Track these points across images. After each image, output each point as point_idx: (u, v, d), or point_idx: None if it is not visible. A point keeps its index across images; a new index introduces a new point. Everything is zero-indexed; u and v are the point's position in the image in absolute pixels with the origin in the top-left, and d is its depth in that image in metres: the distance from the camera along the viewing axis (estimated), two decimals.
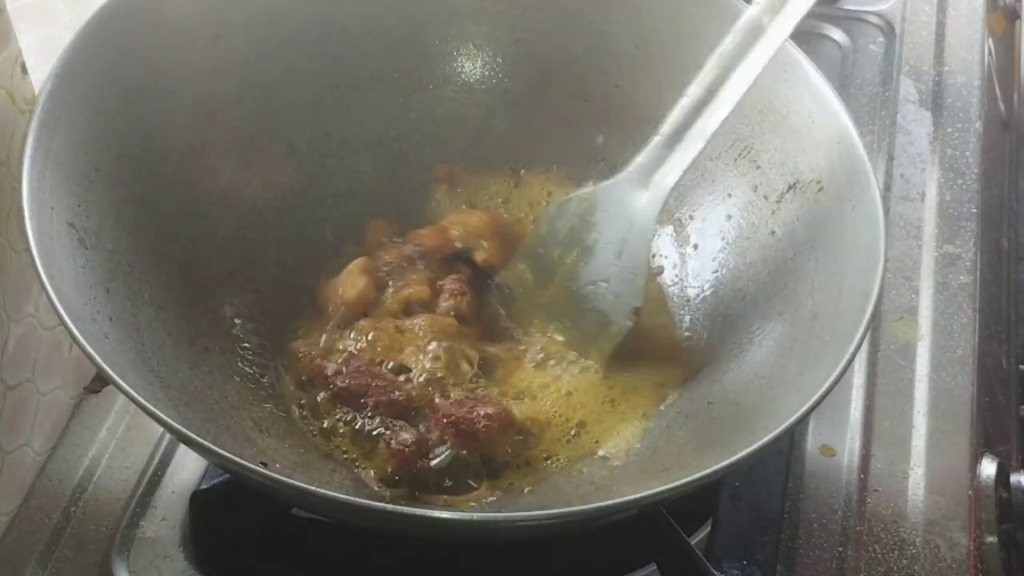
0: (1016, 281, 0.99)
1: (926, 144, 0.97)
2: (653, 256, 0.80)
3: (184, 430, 0.55)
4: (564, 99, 0.83)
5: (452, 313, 0.75)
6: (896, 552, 0.71)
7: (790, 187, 0.74)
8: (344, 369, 0.71)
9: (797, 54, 0.74)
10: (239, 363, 0.72)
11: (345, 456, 0.69)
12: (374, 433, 0.69)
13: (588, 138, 0.81)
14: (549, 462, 0.70)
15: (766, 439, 0.57)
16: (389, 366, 0.72)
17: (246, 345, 0.73)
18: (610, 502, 0.56)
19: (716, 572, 0.68)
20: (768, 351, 0.70)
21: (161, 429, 0.74)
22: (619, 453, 0.70)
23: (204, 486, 0.73)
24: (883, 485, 0.74)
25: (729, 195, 0.78)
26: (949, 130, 0.99)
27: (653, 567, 0.69)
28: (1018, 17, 1.19)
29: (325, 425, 0.70)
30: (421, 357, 0.72)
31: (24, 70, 0.70)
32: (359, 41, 0.81)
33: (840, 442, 0.77)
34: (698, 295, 0.78)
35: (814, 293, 0.69)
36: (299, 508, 0.69)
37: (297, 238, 0.79)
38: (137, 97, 0.70)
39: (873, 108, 1.00)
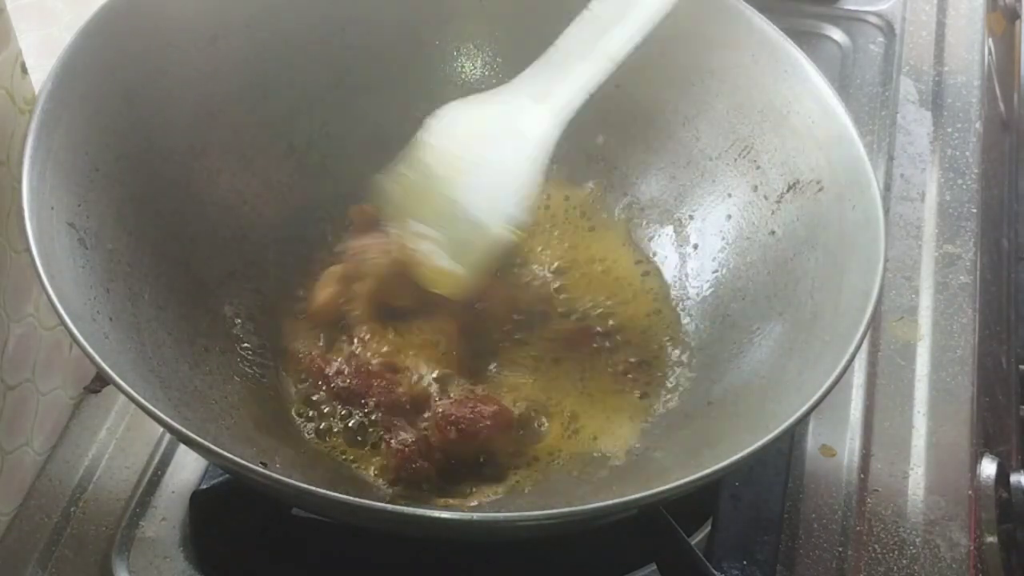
0: (1016, 281, 0.99)
1: (926, 144, 0.97)
2: (653, 255, 0.80)
3: (184, 430, 0.55)
4: None
5: None
6: (896, 552, 0.71)
7: (790, 187, 0.74)
8: (345, 369, 0.71)
9: (797, 54, 0.74)
10: (239, 363, 0.72)
11: (344, 456, 0.69)
12: (373, 432, 0.69)
13: (588, 138, 0.81)
14: (551, 458, 0.70)
15: (766, 439, 0.57)
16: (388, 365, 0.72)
17: (246, 345, 0.73)
18: (610, 502, 0.56)
19: (716, 572, 0.67)
20: (768, 351, 0.70)
21: (161, 429, 0.74)
22: (619, 453, 0.70)
23: (204, 486, 0.73)
24: (883, 485, 0.74)
25: (729, 195, 0.78)
26: (949, 130, 0.99)
27: (653, 567, 0.69)
28: (1018, 17, 1.19)
29: (322, 426, 0.70)
30: (419, 358, 0.72)
31: (24, 70, 0.70)
32: (359, 41, 0.81)
33: (840, 442, 0.77)
34: (698, 295, 0.78)
35: (814, 293, 0.69)
36: (299, 508, 0.69)
37: (297, 238, 0.79)
38: (137, 97, 0.70)
39: (873, 108, 1.00)
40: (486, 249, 0.71)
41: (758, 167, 0.76)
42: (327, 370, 0.71)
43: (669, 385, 0.74)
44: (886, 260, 0.64)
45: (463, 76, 0.84)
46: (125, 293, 0.65)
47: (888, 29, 1.08)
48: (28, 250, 0.58)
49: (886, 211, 0.71)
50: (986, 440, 0.78)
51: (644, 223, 0.81)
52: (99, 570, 0.70)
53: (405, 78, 0.83)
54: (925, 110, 1.00)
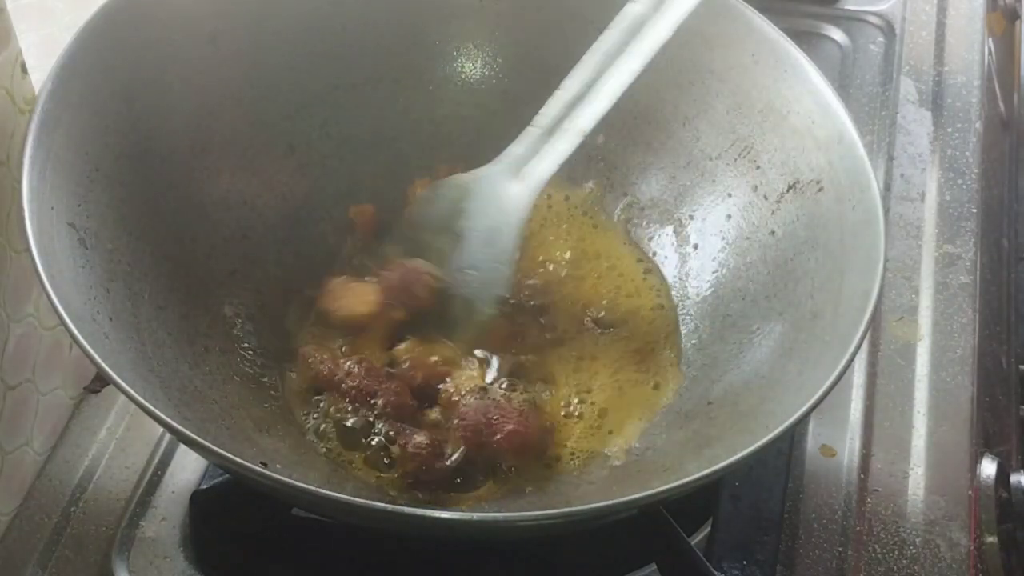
0: (1016, 281, 0.99)
1: (926, 144, 0.97)
2: (653, 255, 0.80)
3: (184, 430, 0.55)
4: None
5: None
6: (896, 552, 0.71)
7: (790, 187, 0.74)
8: (355, 370, 0.71)
9: (797, 54, 0.74)
10: (239, 363, 0.72)
11: (345, 458, 0.69)
12: (379, 435, 0.69)
13: (588, 138, 0.81)
14: (570, 458, 0.70)
15: (766, 439, 0.57)
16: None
17: (246, 345, 0.73)
18: (610, 502, 0.56)
19: (716, 572, 0.67)
20: (768, 351, 0.70)
21: (161, 429, 0.74)
22: (619, 453, 0.70)
23: (204, 486, 0.73)
24: (883, 485, 0.74)
25: (729, 195, 0.78)
26: (949, 130, 0.99)
27: (653, 567, 0.69)
28: (1018, 17, 1.19)
29: (322, 427, 0.70)
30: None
31: (24, 70, 0.70)
32: (359, 41, 0.81)
33: (840, 442, 0.77)
34: (698, 295, 0.78)
35: (814, 293, 0.69)
36: (299, 508, 0.69)
37: (297, 238, 0.79)
38: (137, 97, 0.70)
39: (873, 108, 1.00)
40: (475, 327, 0.74)
41: (758, 167, 0.76)
42: (338, 373, 0.71)
43: (673, 380, 0.74)
44: (886, 260, 0.64)
45: (463, 76, 0.84)
46: (125, 293, 0.65)
47: (888, 29, 1.08)
48: (28, 250, 0.58)
49: (886, 211, 0.71)
50: (986, 440, 0.78)
51: (644, 223, 0.81)
52: (99, 570, 0.70)
53: (405, 78, 0.83)
54: (925, 110, 1.00)
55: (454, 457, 0.68)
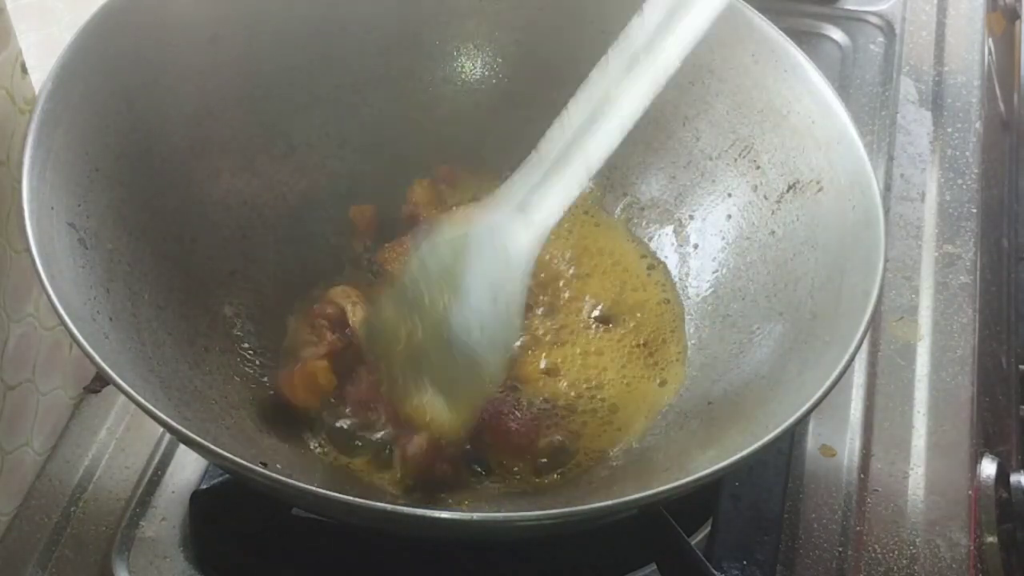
0: (1016, 281, 0.99)
1: (926, 144, 0.98)
2: (653, 254, 0.80)
3: (184, 430, 0.55)
4: (564, 99, 0.82)
5: None
6: (896, 552, 0.71)
7: (790, 187, 0.74)
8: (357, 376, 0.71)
9: (797, 54, 0.74)
10: (239, 363, 0.72)
11: (345, 461, 0.69)
12: (381, 438, 0.70)
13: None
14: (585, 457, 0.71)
15: (766, 439, 0.57)
16: None
17: (246, 345, 0.73)
18: (610, 502, 0.56)
19: (716, 572, 0.67)
20: (768, 351, 0.70)
21: (161, 429, 0.74)
22: (619, 453, 0.70)
23: (204, 486, 0.73)
24: (883, 485, 0.74)
25: (729, 195, 0.78)
26: (949, 130, 0.99)
27: (653, 567, 0.69)
28: (1018, 17, 1.19)
29: (326, 428, 0.70)
30: None
31: (24, 70, 0.70)
32: (359, 41, 0.81)
33: (840, 442, 0.77)
34: (698, 295, 0.78)
35: (814, 293, 0.69)
36: (299, 508, 0.69)
37: (297, 238, 0.79)
38: (137, 97, 0.70)
39: (873, 108, 1.00)
40: (480, 388, 0.69)
41: (758, 167, 0.76)
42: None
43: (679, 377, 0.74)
44: (886, 260, 0.64)
45: (463, 76, 0.84)
46: (125, 293, 0.65)
47: (888, 29, 1.08)
48: (28, 250, 0.58)
49: (886, 211, 0.71)
50: (986, 440, 0.78)
51: (644, 223, 0.81)
52: (99, 570, 0.70)
53: (405, 78, 0.83)
54: (925, 110, 1.00)
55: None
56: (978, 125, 0.99)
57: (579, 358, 0.75)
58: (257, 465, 0.59)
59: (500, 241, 0.67)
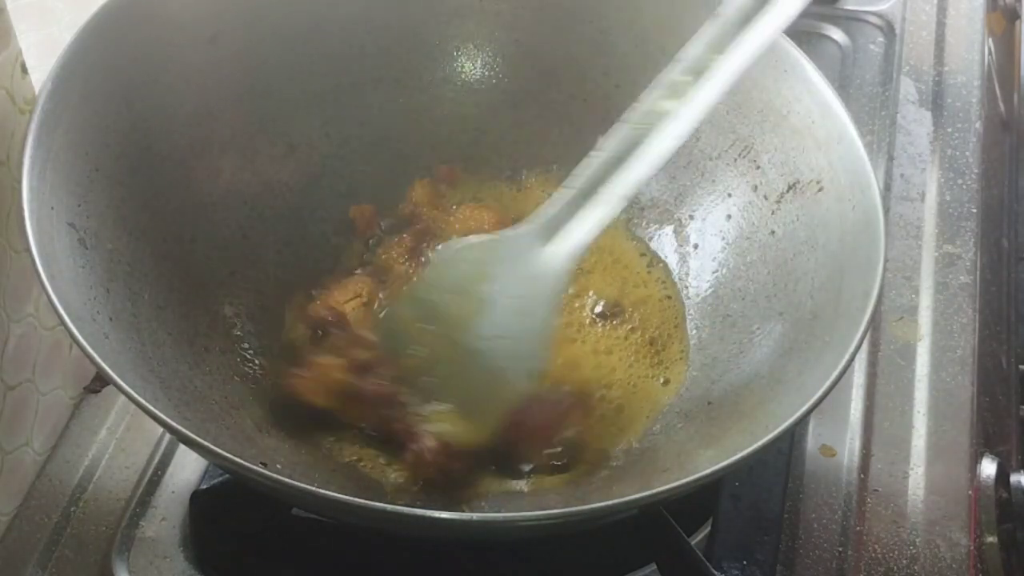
0: (1016, 281, 0.99)
1: (926, 144, 0.97)
2: (653, 252, 0.80)
3: (184, 430, 0.55)
4: (564, 99, 0.83)
5: None
6: (896, 552, 0.71)
7: (790, 187, 0.74)
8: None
9: (797, 54, 0.74)
10: (239, 363, 0.72)
11: (354, 459, 0.70)
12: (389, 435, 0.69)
13: (588, 138, 0.81)
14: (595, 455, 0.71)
15: (766, 439, 0.57)
16: None
17: (246, 345, 0.73)
18: (610, 502, 0.56)
19: (716, 572, 0.67)
20: (768, 351, 0.70)
21: (161, 429, 0.74)
22: (619, 453, 0.70)
23: (204, 486, 0.73)
24: (883, 485, 0.74)
25: (729, 195, 0.78)
26: (949, 130, 0.99)
27: (653, 567, 0.69)
28: (1018, 17, 1.19)
29: (332, 426, 0.71)
30: None
31: (24, 70, 0.70)
32: (359, 41, 0.81)
33: (840, 442, 0.77)
34: (698, 295, 0.78)
35: (814, 293, 0.69)
36: (299, 508, 0.69)
37: (297, 238, 0.79)
38: (137, 97, 0.70)
39: (873, 108, 1.00)
40: (504, 401, 0.67)
41: (758, 167, 0.76)
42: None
43: (680, 376, 0.74)
44: (886, 260, 0.64)
45: (463, 76, 0.84)
46: (125, 293, 0.65)
47: (888, 29, 1.08)
48: (28, 250, 0.58)
49: (886, 211, 0.71)
50: (986, 440, 0.78)
51: (644, 223, 0.81)
52: (99, 570, 0.70)
53: (405, 78, 0.83)
54: (925, 110, 1.00)
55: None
56: (978, 125, 0.99)
57: (590, 356, 0.75)
58: (257, 465, 0.59)
59: (525, 258, 0.66)
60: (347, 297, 0.76)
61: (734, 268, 0.76)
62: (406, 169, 0.82)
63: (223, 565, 0.71)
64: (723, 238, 0.78)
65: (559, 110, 0.83)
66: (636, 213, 0.81)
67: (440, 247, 0.72)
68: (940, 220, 0.91)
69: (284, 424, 0.69)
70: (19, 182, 0.60)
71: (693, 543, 0.69)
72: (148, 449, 0.76)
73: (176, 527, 0.72)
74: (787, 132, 0.74)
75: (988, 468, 0.75)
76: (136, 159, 0.70)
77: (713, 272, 0.77)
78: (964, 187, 0.94)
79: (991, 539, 0.72)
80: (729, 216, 0.77)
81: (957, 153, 0.97)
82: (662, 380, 0.74)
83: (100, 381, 0.79)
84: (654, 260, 0.80)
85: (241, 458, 0.55)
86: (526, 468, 0.70)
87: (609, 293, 0.78)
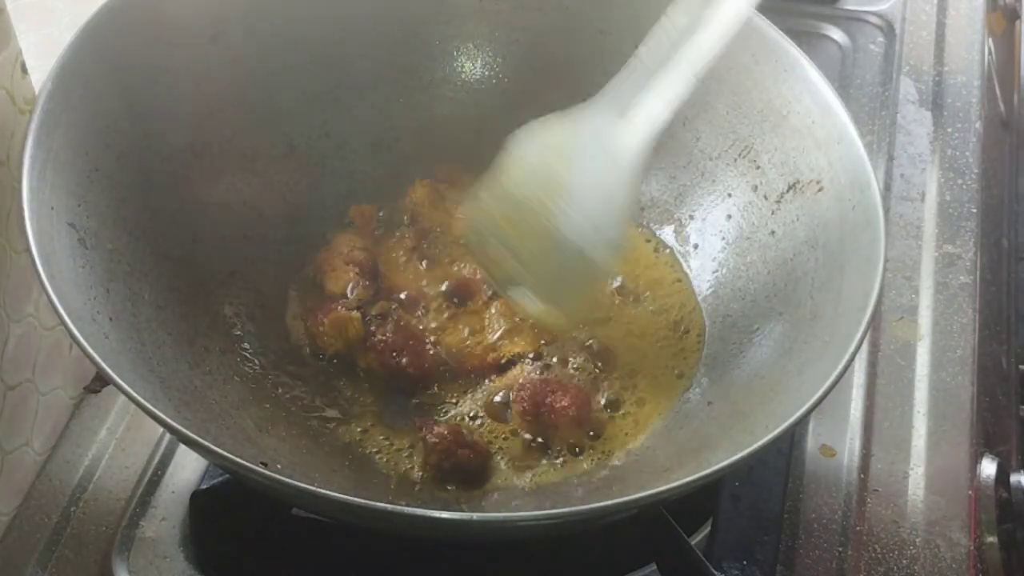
0: (1016, 281, 0.99)
1: (926, 144, 0.97)
2: (654, 253, 0.80)
3: (184, 430, 0.56)
4: (564, 99, 0.82)
5: None
6: (896, 552, 0.71)
7: (790, 187, 0.74)
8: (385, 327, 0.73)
9: (797, 54, 0.74)
10: (239, 363, 0.72)
11: (369, 449, 0.70)
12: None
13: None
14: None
15: (766, 439, 0.57)
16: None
17: (246, 345, 0.73)
18: (610, 502, 0.56)
19: (716, 572, 0.67)
20: (768, 351, 0.70)
21: (161, 429, 0.74)
22: (619, 453, 0.70)
23: (204, 486, 0.73)
24: (883, 485, 0.74)
25: (729, 195, 0.78)
26: (949, 130, 0.99)
27: (653, 567, 0.69)
28: (1018, 17, 1.18)
29: (341, 415, 0.71)
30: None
31: (24, 70, 0.70)
32: (359, 41, 0.81)
33: (840, 442, 0.77)
34: (698, 295, 0.78)
35: (814, 293, 0.69)
36: (299, 508, 0.69)
37: (297, 238, 0.79)
38: (137, 97, 0.71)
39: (873, 108, 1.00)
40: (587, 280, 0.70)
41: (758, 167, 0.76)
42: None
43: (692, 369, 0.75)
44: (886, 260, 0.64)
45: (463, 76, 0.84)
46: (125, 293, 0.66)
47: (888, 29, 1.08)
48: (28, 250, 0.58)
49: (886, 211, 0.71)
50: (986, 440, 0.78)
51: (644, 223, 0.81)
52: (99, 570, 0.70)
53: (405, 78, 0.83)
54: (925, 110, 1.00)
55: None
56: (978, 125, 0.99)
57: (622, 338, 0.76)
58: (257, 465, 0.59)
59: (603, 144, 0.66)
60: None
61: (734, 268, 0.76)
62: (406, 169, 0.82)
63: (223, 565, 0.71)
64: (723, 238, 0.78)
65: (559, 110, 0.83)
66: (636, 213, 0.81)
67: (516, 132, 0.71)
68: (940, 220, 0.91)
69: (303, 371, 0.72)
70: (19, 182, 0.60)
71: (693, 543, 0.69)
72: (148, 449, 0.76)
73: (176, 527, 0.72)
74: (787, 132, 0.74)
75: (988, 468, 0.75)
76: (136, 159, 0.70)
77: (713, 272, 0.77)
78: (964, 187, 0.94)
79: (991, 539, 0.72)
80: (729, 216, 0.77)
81: (957, 153, 0.97)
82: (677, 372, 0.74)
83: (100, 381, 0.79)
84: (660, 246, 0.80)
85: (241, 458, 0.55)
86: (556, 449, 0.71)
87: (623, 271, 0.79)
